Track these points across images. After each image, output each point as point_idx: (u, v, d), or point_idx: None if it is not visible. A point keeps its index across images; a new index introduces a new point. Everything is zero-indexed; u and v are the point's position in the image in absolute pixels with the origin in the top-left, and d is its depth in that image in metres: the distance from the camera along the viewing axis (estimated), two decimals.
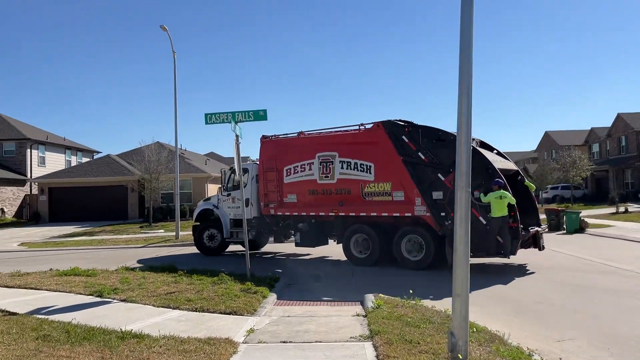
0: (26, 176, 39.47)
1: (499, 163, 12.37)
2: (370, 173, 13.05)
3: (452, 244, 11.62)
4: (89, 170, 37.39)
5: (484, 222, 11.29)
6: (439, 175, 11.88)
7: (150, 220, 29.08)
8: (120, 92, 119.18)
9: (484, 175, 11.48)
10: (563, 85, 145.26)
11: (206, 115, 11.79)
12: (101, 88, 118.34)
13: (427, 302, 8.32)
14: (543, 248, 13.14)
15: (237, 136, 11.27)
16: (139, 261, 15.26)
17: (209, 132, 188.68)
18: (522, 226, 11.81)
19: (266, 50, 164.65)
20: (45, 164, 41.59)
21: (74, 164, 44.16)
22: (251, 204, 15.51)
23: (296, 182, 14.37)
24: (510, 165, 13.70)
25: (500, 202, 11.15)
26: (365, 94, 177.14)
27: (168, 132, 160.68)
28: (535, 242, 12.90)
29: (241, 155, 11.49)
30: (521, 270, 12.10)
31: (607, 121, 72.62)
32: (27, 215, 38.18)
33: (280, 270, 12.78)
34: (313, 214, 14.16)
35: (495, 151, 13.66)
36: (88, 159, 46.41)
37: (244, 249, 17.47)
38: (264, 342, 6.33)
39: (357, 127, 13.43)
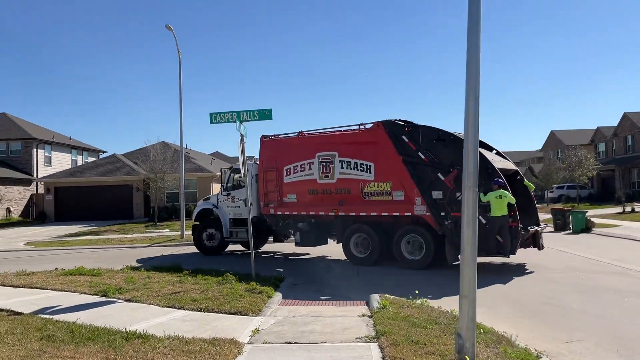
0: (32, 176, 39.64)
1: (498, 163, 12.38)
2: (370, 173, 13.06)
3: (452, 244, 11.81)
4: (94, 169, 37.50)
5: (484, 222, 11.26)
6: (439, 174, 11.88)
7: (156, 220, 29.11)
8: (125, 91, 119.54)
9: (484, 174, 11.40)
10: (569, 84, 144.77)
11: (211, 114, 11.78)
12: (107, 87, 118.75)
13: (430, 302, 8.26)
14: (542, 247, 13.15)
15: (242, 135, 11.23)
16: (143, 260, 15.26)
17: (214, 131, 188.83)
18: (521, 226, 11.81)
19: (266, 50, 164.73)
20: (51, 164, 41.74)
21: (79, 163, 44.32)
22: (251, 203, 15.47)
23: (296, 181, 14.37)
24: (510, 165, 13.73)
25: (500, 201, 11.16)
26: (365, 94, 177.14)
27: (173, 131, 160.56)
28: (534, 241, 12.92)
29: (246, 154, 11.45)
30: (527, 270, 12.02)
31: (613, 120, 72.43)
32: (33, 215, 38.34)
33: (282, 270, 12.74)
34: (313, 213, 14.17)
35: (494, 151, 13.67)
36: (94, 159, 46.57)
37: (243, 248, 17.61)
38: (269, 343, 6.29)
39: (357, 127, 13.43)
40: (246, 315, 7.71)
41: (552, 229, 22.47)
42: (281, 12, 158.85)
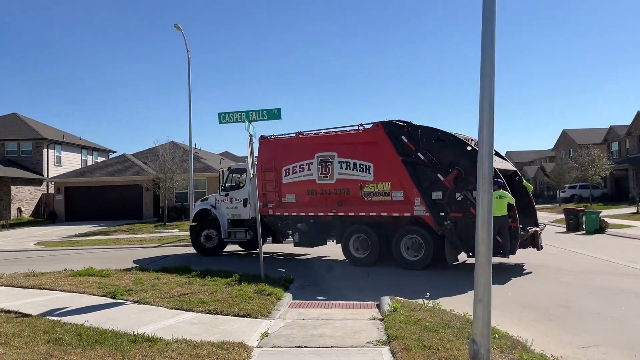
0: (43, 176, 39.87)
1: (497, 163, 12.34)
2: (369, 173, 13.06)
3: (452, 244, 11.83)
4: (104, 169, 37.67)
5: None
6: (439, 175, 11.90)
7: (165, 220, 29.15)
8: (133, 91, 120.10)
9: None
10: (581, 83, 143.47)
11: (220, 114, 11.71)
12: (115, 87, 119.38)
13: (442, 300, 8.11)
14: (541, 248, 13.14)
15: (250, 135, 11.15)
16: (152, 261, 15.23)
17: (223, 131, 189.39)
18: (520, 226, 11.79)
19: (267, 50, 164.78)
20: (62, 164, 41.96)
21: (89, 163, 44.52)
22: (249, 204, 15.55)
23: (295, 182, 14.37)
24: (508, 166, 13.77)
25: (500, 201, 11.15)
26: (366, 94, 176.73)
27: (182, 131, 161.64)
28: (533, 241, 12.88)
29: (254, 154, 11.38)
30: (539, 271, 11.83)
31: (626, 119, 71.40)
32: (44, 215, 38.56)
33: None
34: (312, 214, 14.17)
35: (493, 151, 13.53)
36: (104, 159, 46.77)
37: (241, 249, 17.59)
38: (278, 347, 6.17)
39: (356, 127, 13.44)
40: (255, 317, 7.60)
41: (565, 230, 22.24)
42: (281, 12, 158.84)
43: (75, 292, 9.57)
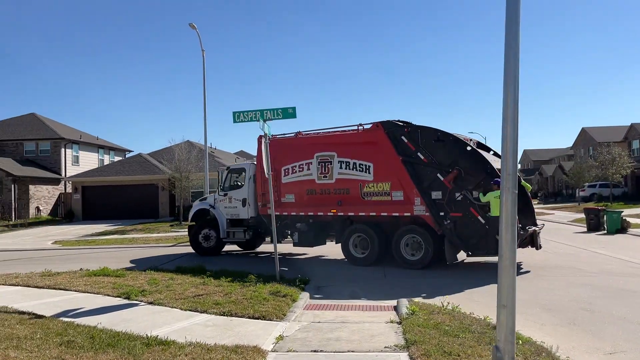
0: (61, 175, 40.26)
1: (496, 163, 12.28)
2: (369, 173, 13.08)
3: (451, 243, 11.88)
4: (121, 169, 37.91)
5: (483, 222, 11.44)
6: (438, 175, 12.01)
7: (181, 219, 29.19)
8: (150, 90, 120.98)
9: (483, 175, 11.64)
10: (601, 79, 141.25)
11: (234, 113, 11.60)
12: (132, 87, 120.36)
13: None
14: (540, 247, 13.13)
15: (265, 134, 11.03)
16: (167, 260, 15.18)
17: (238, 130, 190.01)
18: (520, 226, 11.73)
19: (267, 50, 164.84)
20: (79, 163, 42.35)
21: (106, 162, 44.86)
22: (248, 203, 15.54)
23: (294, 182, 14.37)
24: None
25: (499, 201, 10.89)
26: (364, 93, 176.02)
27: (198, 130, 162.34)
28: (532, 241, 12.81)
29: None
30: (560, 273, 11.53)
31: None
32: (62, 214, 38.93)
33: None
34: (311, 213, 14.17)
35: (491, 152, 13.76)
36: (120, 158, 47.10)
37: (239, 248, 17.50)
38: (293, 351, 6.01)
39: (355, 127, 13.46)
40: (270, 320, 7.46)
41: (585, 229, 21.80)
42: (283, 13, 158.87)
43: (89, 293, 9.53)
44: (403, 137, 12.51)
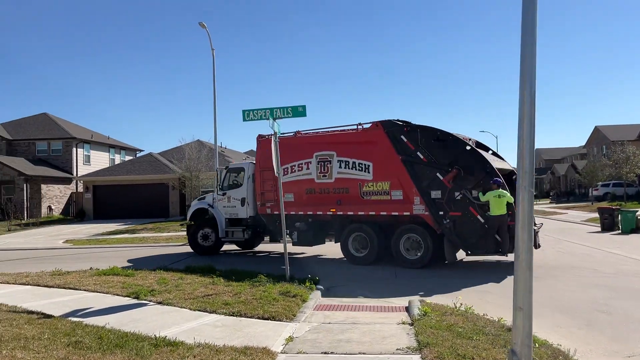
0: (72, 174, 40.51)
1: (496, 163, 12.34)
2: (368, 172, 13.07)
3: (451, 242, 11.85)
4: (131, 168, 38.06)
5: (483, 221, 11.47)
6: (438, 174, 12.03)
7: None
8: (160, 90, 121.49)
9: (483, 174, 11.61)
10: (614, 77, 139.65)
11: (244, 111, 11.49)
12: (143, 86, 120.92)
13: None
14: (539, 246, 13.13)
15: (275, 133, 10.93)
16: (177, 259, 15.15)
17: (247, 130, 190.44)
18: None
19: (267, 50, 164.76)
20: (90, 162, 42.58)
21: (117, 162, 45.08)
22: (247, 203, 15.53)
23: (293, 181, 14.32)
24: (506, 165, 13.81)
25: (499, 200, 11.23)
26: (364, 93, 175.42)
27: (208, 129, 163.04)
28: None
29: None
30: (574, 273, 11.32)
31: None
32: (73, 213, 39.16)
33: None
34: (310, 213, 14.16)
35: (490, 151, 13.76)
36: (131, 157, 47.28)
37: (238, 248, 17.42)
38: (303, 353, 5.90)
39: (355, 127, 13.43)
40: (280, 320, 7.36)
41: (599, 229, 21.50)
42: (284, 13, 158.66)
43: (99, 292, 9.49)
44: (402, 137, 12.50)
